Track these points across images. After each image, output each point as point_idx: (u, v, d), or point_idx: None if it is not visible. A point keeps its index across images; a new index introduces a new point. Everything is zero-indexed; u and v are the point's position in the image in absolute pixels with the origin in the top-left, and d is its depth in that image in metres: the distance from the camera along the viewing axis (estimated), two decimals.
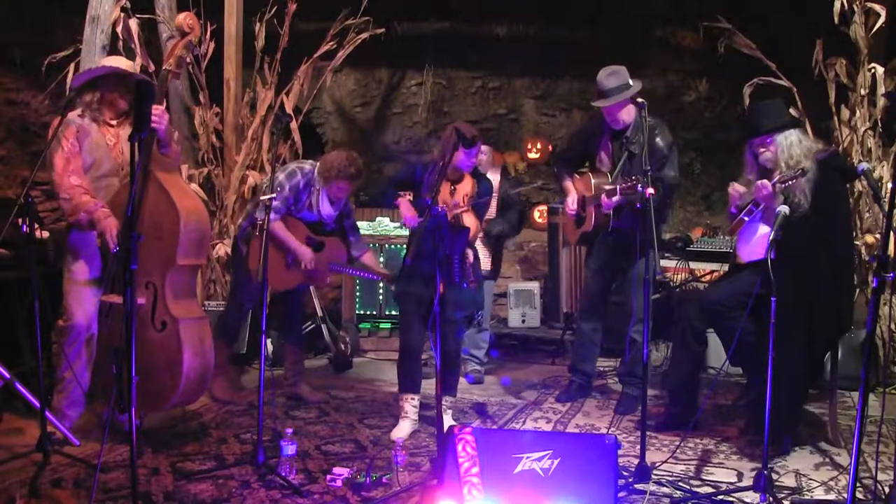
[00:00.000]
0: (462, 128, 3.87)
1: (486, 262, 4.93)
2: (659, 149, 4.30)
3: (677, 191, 4.80)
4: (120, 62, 3.96)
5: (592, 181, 4.43)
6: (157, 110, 3.58)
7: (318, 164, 4.50)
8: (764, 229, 3.80)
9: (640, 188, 3.56)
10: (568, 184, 4.60)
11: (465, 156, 3.90)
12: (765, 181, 3.70)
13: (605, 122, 4.46)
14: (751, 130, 3.88)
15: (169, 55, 3.80)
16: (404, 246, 5.51)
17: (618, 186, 4.18)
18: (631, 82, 4.32)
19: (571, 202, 4.55)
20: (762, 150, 3.82)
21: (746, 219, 3.86)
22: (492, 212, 4.95)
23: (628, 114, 4.37)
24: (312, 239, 4.49)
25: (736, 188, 3.95)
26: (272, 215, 4.33)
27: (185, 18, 3.84)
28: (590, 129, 4.66)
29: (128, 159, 3.82)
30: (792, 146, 3.73)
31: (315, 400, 4.69)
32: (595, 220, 4.44)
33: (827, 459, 3.82)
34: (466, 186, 3.97)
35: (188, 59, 3.99)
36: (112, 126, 3.87)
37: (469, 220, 3.88)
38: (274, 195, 3.72)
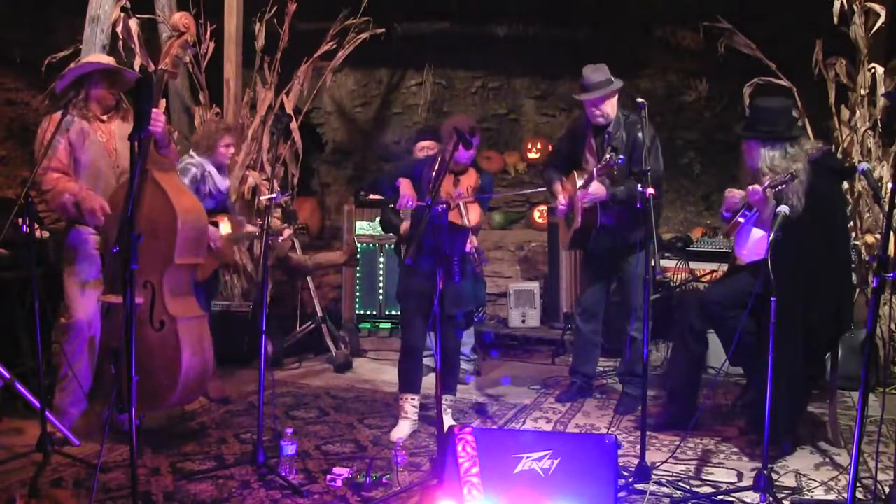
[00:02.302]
0: (462, 127, 3.86)
1: None
2: (640, 142, 4.33)
3: (666, 184, 4.82)
4: (102, 58, 3.95)
5: (577, 178, 4.45)
6: (154, 113, 3.58)
7: (193, 152, 4.69)
8: (759, 233, 3.80)
9: (635, 189, 3.56)
10: (557, 185, 4.61)
11: (465, 149, 3.89)
12: (756, 186, 3.69)
13: (587, 121, 4.48)
14: (745, 129, 3.87)
15: (165, 55, 3.80)
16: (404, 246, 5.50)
17: (594, 169, 4.19)
18: (612, 79, 4.36)
19: (562, 198, 4.56)
20: (746, 152, 3.83)
21: (741, 220, 3.86)
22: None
23: (611, 109, 4.39)
24: (213, 223, 4.59)
25: (734, 192, 3.94)
26: None
27: (181, 18, 3.83)
28: (574, 130, 4.68)
29: (123, 156, 3.86)
30: (774, 158, 3.70)
31: (215, 397, 4.59)
32: (583, 216, 4.45)
33: (827, 459, 3.82)
34: (470, 179, 3.97)
35: (186, 59, 3.98)
36: (103, 122, 3.87)
37: (474, 212, 3.88)
38: (274, 195, 3.71)
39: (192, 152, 4.73)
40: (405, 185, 3.93)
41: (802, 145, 3.78)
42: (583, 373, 4.79)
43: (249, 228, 4.94)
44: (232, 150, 4.74)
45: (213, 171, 4.64)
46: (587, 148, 4.52)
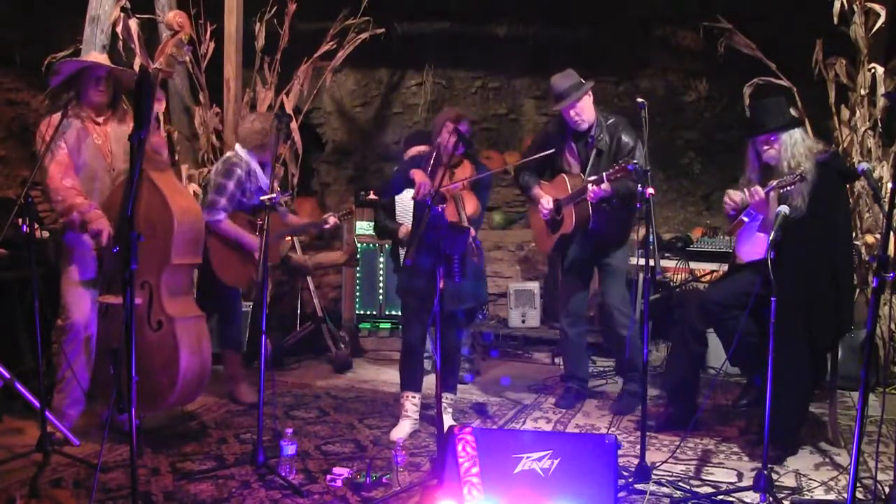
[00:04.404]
0: (452, 118, 3.89)
1: None
2: (625, 144, 4.34)
3: (665, 183, 4.82)
4: (97, 58, 3.94)
5: (568, 182, 4.41)
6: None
7: (240, 147, 4.55)
8: (762, 236, 3.80)
9: (634, 183, 3.56)
10: (537, 190, 4.57)
11: (466, 147, 3.88)
12: (757, 188, 3.69)
13: (565, 126, 4.47)
14: (755, 128, 3.87)
15: (159, 54, 3.78)
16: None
17: (604, 174, 4.14)
18: (583, 81, 4.38)
19: (546, 202, 4.49)
20: (766, 147, 3.82)
21: (746, 219, 3.86)
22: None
23: (588, 110, 4.38)
24: (252, 222, 4.53)
25: (731, 196, 3.93)
26: (220, 216, 4.40)
27: (175, 16, 3.81)
28: (551, 134, 4.63)
29: (119, 158, 3.85)
30: (796, 145, 3.74)
31: (248, 401, 4.57)
32: (576, 218, 4.41)
33: (827, 459, 3.82)
34: (465, 172, 3.96)
35: (185, 58, 3.97)
36: (98, 124, 3.86)
37: (470, 203, 3.87)
38: (273, 195, 3.71)
39: (238, 148, 4.58)
40: (419, 175, 3.92)
41: (811, 143, 3.81)
42: (577, 377, 4.77)
43: (292, 219, 4.90)
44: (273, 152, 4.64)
45: (259, 169, 4.54)
46: (567, 151, 4.50)
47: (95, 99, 3.81)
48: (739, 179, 4.02)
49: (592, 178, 4.26)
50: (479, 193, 3.98)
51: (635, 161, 4.04)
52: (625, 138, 4.35)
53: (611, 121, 4.42)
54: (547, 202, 4.50)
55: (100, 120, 3.85)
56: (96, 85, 3.79)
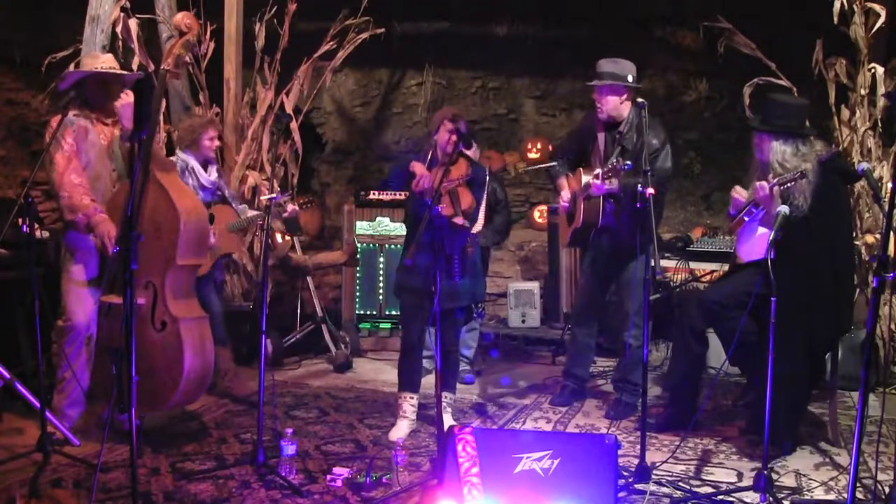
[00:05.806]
0: (461, 127, 3.88)
1: None
2: (650, 144, 4.30)
3: (669, 183, 4.78)
4: (101, 60, 3.94)
5: (583, 177, 4.43)
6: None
7: (179, 149, 4.66)
8: (763, 231, 3.80)
9: (637, 186, 3.55)
10: (562, 180, 4.59)
11: (466, 148, 3.88)
12: (763, 183, 3.69)
13: (598, 119, 4.46)
14: (754, 122, 3.88)
15: (167, 55, 3.80)
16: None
17: (600, 171, 4.15)
18: (630, 77, 4.31)
19: (565, 195, 4.53)
20: (757, 146, 3.83)
21: (746, 218, 3.86)
22: (481, 218, 4.68)
23: (616, 107, 4.35)
24: None
25: (739, 192, 3.94)
26: None
27: (183, 18, 3.83)
28: (583, 127, 4.65)
29: (121, 159, 3.86)
30: (786, 153, 3.71)
31: (241, 394, 4.64)
32: (584, 214, 4.41)
33: (827, 459, 3.82)
34: (461, 168, 3.95)
35: (188, 59, 3.98)
36: (107, 125, 3.86)
37: (465, 196, 3.87)
38: (273, 195, 3.71)
39: (177, 150, 4.69)
40: (419, 167, 3.91)
41: (813, 145, 3.79)
42: (577, 376, 4.76)
43: (250, 213, 4.89)
44: (217, 143, 4.72)
45: (197, 166, 4.60)
46: (596, 145, 4.50)
47: (104, 102, 3.82)
48: (743, 179, 4.02)
49: (589, 177, 4.29)
50: (475, 191, 3.97)
51: (629, 163, 4.01)
52: (653, 140, 4.29)
53: (643, 121, 4.40)
54: (566, 194, 4.53)
55: (108, 121, 3.86)
56: (104, 88, 3.80)
